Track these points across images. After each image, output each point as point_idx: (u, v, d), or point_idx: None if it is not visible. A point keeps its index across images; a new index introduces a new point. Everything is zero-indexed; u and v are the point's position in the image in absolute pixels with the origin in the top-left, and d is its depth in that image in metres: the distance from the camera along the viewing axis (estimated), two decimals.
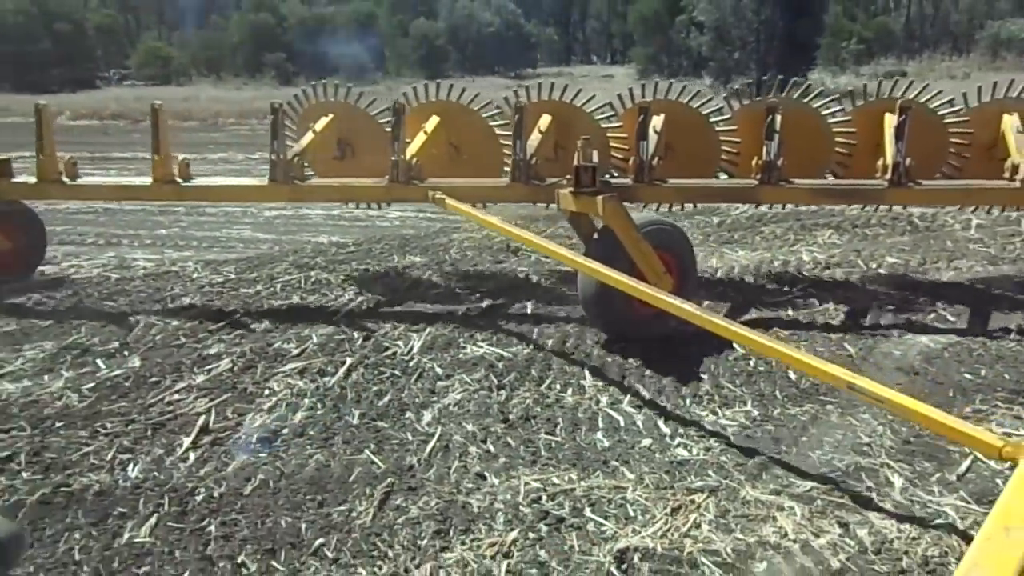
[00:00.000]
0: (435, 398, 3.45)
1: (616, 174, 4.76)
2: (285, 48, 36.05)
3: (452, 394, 3.48)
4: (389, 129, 4.68)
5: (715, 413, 3.28)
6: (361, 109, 5.08)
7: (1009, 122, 4.54)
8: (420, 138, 4.80)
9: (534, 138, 4.61)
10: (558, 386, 3.56)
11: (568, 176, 4.07)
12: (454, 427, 3.17)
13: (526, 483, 2.74)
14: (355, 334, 4.18)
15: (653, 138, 4.45)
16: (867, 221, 6.59)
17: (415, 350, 3.96)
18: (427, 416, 3.28)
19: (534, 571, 2.30)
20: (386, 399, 3.45)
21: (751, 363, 3.72)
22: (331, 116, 5.01)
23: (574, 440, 3.07)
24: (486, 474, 2.82)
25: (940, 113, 4.68)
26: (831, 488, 2.69)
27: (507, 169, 4.65)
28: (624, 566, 2.30)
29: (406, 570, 2.32)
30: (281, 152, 4.72)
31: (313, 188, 4.94)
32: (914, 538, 2.42)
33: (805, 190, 4.51)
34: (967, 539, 2.36)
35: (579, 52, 56.45)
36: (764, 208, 6.62)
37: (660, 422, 3.21)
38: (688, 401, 3.39)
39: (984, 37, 35.03)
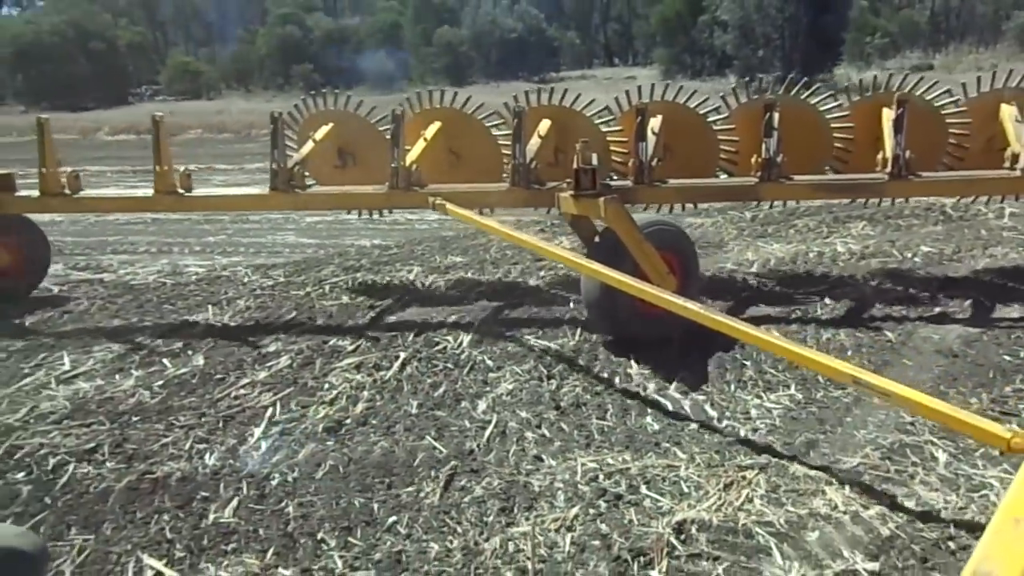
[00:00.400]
0: (488, 388, 3.60)
1: (616, 177, 4.78)
2: (312, 59, 36.61)
3: (504, 384, 3.63)
4: (389, 136, 4.72)
5: (759, 397, 3.39)
6: (361, 117, 5.13)
7: (1007, 111, 4.52)
8: (420, 144, 4.82)
9: (534, 142, 4.62)
10: (606, 375, 3.69)
11: (568, 179, 4.08)
12: (508, 414, 3.32)
13: (582, 464, 2.87)
14: (405, 330, 4.34)
15: (652, 139, 4.46)
16: (900, 212, 6.65)
17: (465, 344, 4.11)
18: (482, 405, 3.43)
19: (597, 542, 2.43)
20: (441, 390, 3.60)
21: None
22: (331, 125, 5.06)
23: (625, 424, 3.20)
24: (543, 456, 2.96)
25: (937, 105, 4.65)
26: (877, 464, 2.79)
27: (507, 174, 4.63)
28: (682, 536, 2.43)
29: (476, 543, 2.46)
30: (282, 161, 4.78)
31: (314, 196, 4.93)
32: (961, 508, 2.51)
33: (805, 186, 4.50)
34: None
35: (601, 55, 56.61)
36: (797, 202, 6.68)
37: (707, 406, 3.33)
38: (733, 386, 3.51)
39: (1011, 28, 34.55)
